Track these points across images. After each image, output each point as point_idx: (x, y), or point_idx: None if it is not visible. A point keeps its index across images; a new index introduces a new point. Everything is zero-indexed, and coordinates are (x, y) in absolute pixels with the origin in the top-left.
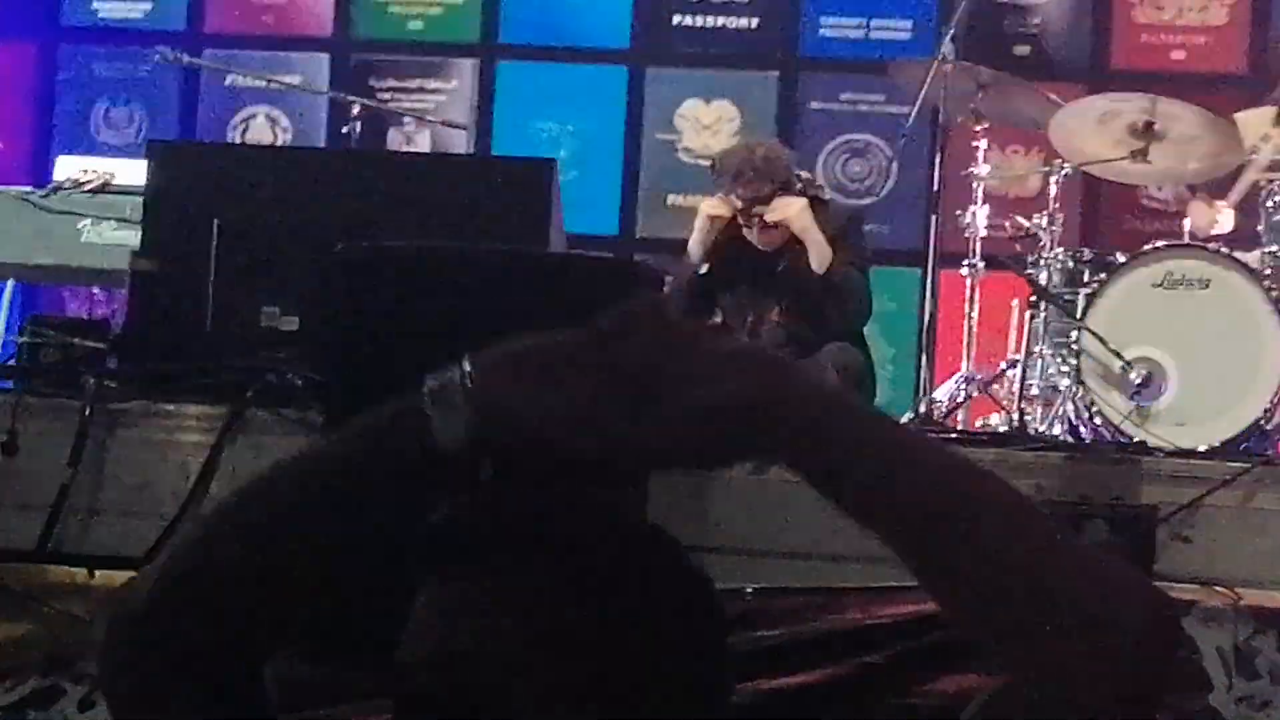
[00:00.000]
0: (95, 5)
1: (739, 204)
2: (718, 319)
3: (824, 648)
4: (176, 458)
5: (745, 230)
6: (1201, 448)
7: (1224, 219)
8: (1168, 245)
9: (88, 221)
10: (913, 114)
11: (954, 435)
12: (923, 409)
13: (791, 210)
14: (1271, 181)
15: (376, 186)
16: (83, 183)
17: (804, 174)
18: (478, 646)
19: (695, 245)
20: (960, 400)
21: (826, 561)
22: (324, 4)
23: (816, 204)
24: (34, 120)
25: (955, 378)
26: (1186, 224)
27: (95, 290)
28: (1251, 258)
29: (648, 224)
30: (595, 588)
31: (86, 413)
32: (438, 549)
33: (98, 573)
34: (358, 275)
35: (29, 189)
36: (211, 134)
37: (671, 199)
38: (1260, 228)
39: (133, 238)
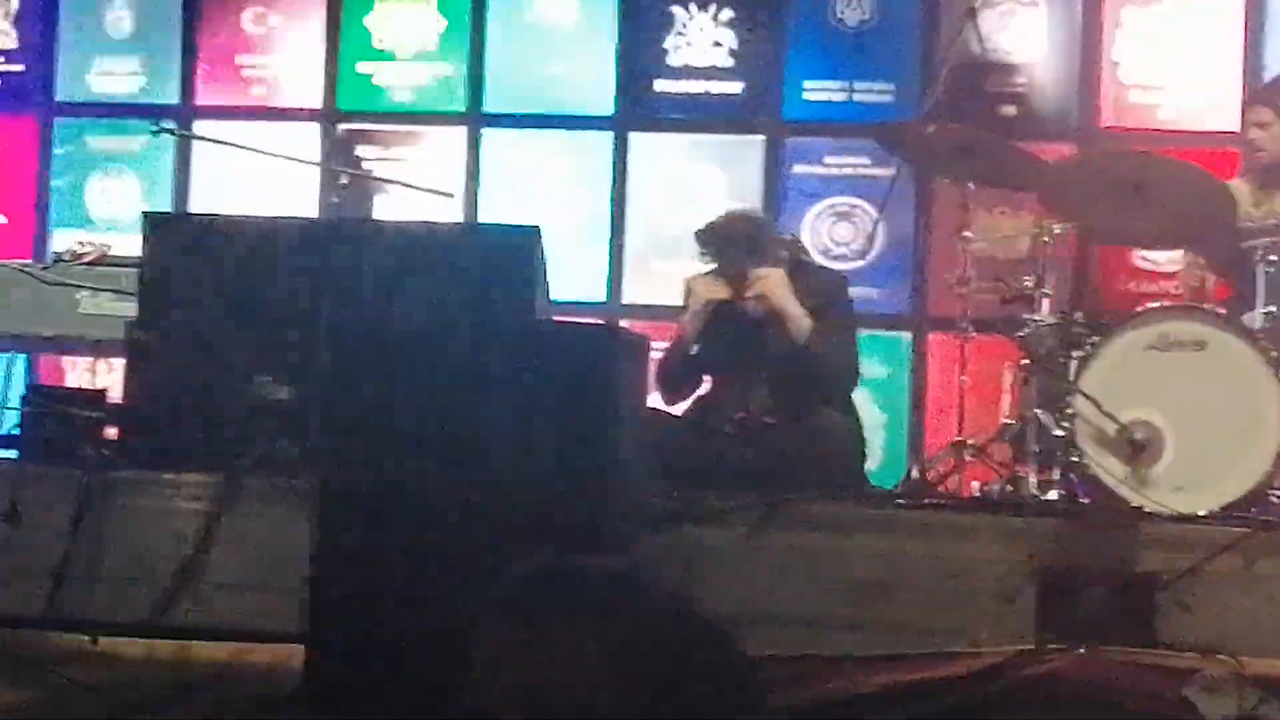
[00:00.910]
0: (90, 79)
1: (729, 290)
2: (705, 387)
3: (816, 716)
4: (174, 526)
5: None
6: (1201, 512)
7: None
8: (1162, 307)
9: (86, 293)
10: (896, 175)
11: (947, 502)
12: (915, 475)
13: (768, 285)
14: (1268, 245)
15: (365, 255)
16: (81, 255)
17: (789, 236)
18: (550, 686)
19: (690, 326)
20: (953, 466)
21: (817, 628)
22: (312, 76)
23: (801, 268)
24: (31, 194)
25: (948, 443)
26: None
27: (94, 360)
28: (1249, 318)
29: (635, 290)
30: (635, 643)
31: (86, 482)
32: (510, 605)
33: (100, 639)
34: (348, 344)
35: (28, 262)
36: (204, 206)
37: (657, 265)
38: (1256, 288)
39: (130, 308)
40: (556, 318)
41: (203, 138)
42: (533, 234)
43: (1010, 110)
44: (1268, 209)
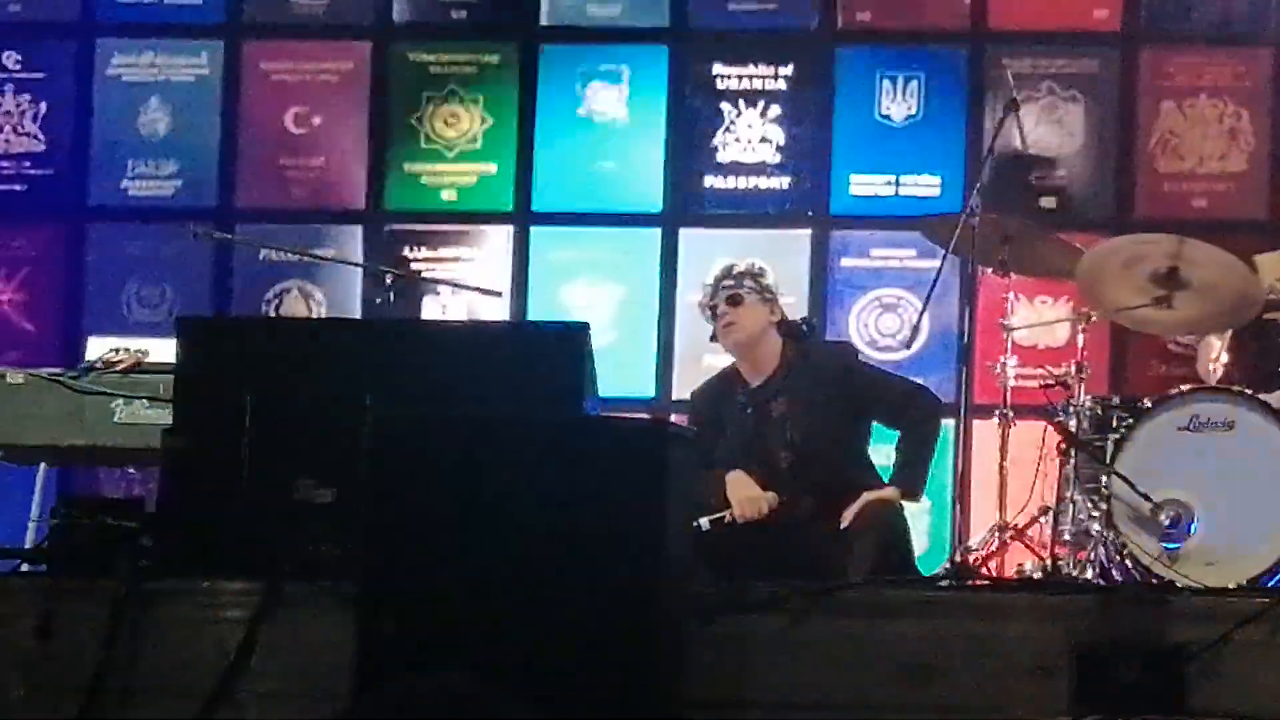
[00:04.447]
0: (125, 184)
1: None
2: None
3: None
4: (214, 635)
5: (714, 327)
6: (1231, 585)
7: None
8: (1192, 389)
9: (120, 401)
10: (941, 267)
11: (987, 584)
12: (958, 558)
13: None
14: None
15: (410, 356)
16: (114, 362)
17: (798, 319)
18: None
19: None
20: (994, 548)
21: (864, 711)
22: (356, 176)
23: (798, 339)
24: (65, 301)
25: (989, 526)
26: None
27: (131, 470)
28: (1274, 398)
29: (685, 386)
30: None
31: (122, 593)
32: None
33: None
34: (391, 445)
35: (60, 370)
36: (245, 309)
37: (708, 360)
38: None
39: (166, 416)
40: (606, 414)
41: (240, 241)
42: (581, 331)
43: (1050, 201)
44: None
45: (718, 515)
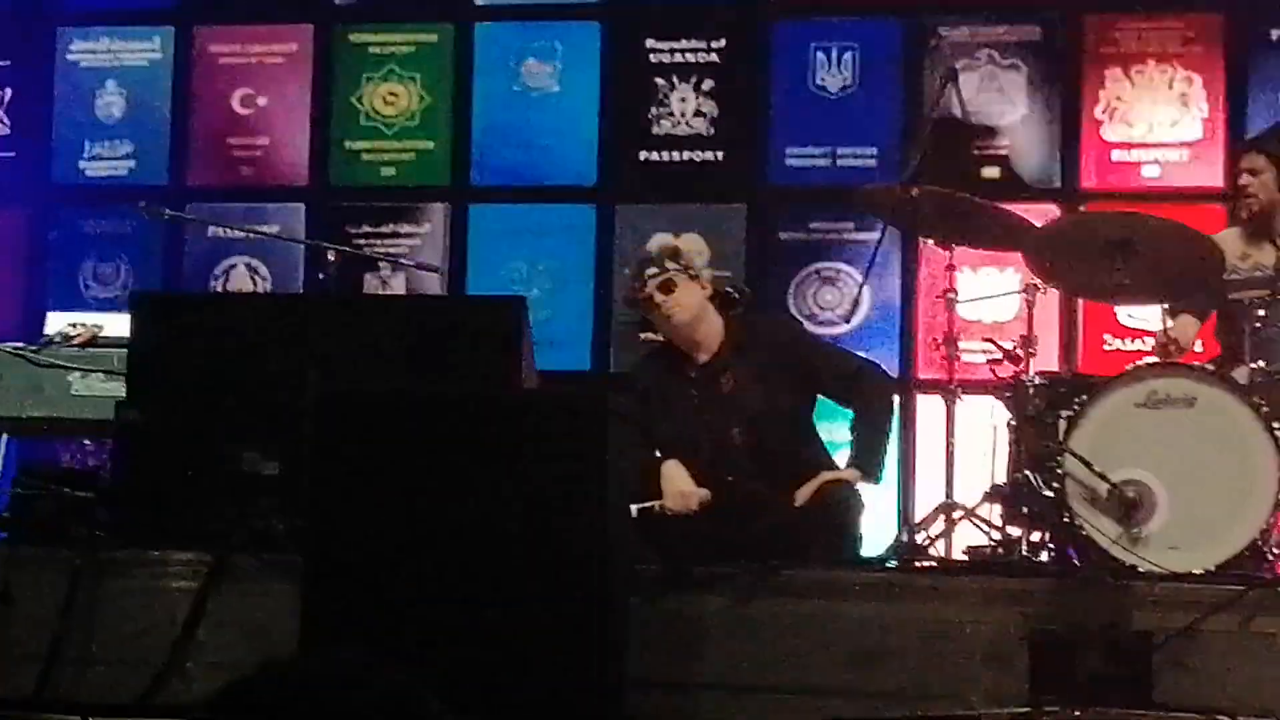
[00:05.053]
0: (82, 164)
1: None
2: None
3: None
4: (165, 604)
5: (652, 317)
6: (1196, 571)
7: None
8: (1150, 364)
9: (77, 374)
10: (880, 239)
11: (937, 564)
12: (905, 538)
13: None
14: (1254, 298)
15: (351, 330)
16: (72, 337)
17: (729, 288)
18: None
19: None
20: (943, 528)
21: (810, 695)
22: (300, 154)
23: (736, 309)
24: (26, 278)
25: (937, 505)
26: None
27: (86, 442)
28: (1238, 374)
29: (621, 360)
30: None
31: (78, 562)
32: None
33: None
34: (334, 419)
35: (21, 344)
36: (196, 285)
37: (645, 334)
38: (1245, 344)
39: (121, 389)
40: (541, 389)
41: (190, 219)
42: (517, 305)
43: (993, 172)
44: (1254, 261)
45: (647, 505)
